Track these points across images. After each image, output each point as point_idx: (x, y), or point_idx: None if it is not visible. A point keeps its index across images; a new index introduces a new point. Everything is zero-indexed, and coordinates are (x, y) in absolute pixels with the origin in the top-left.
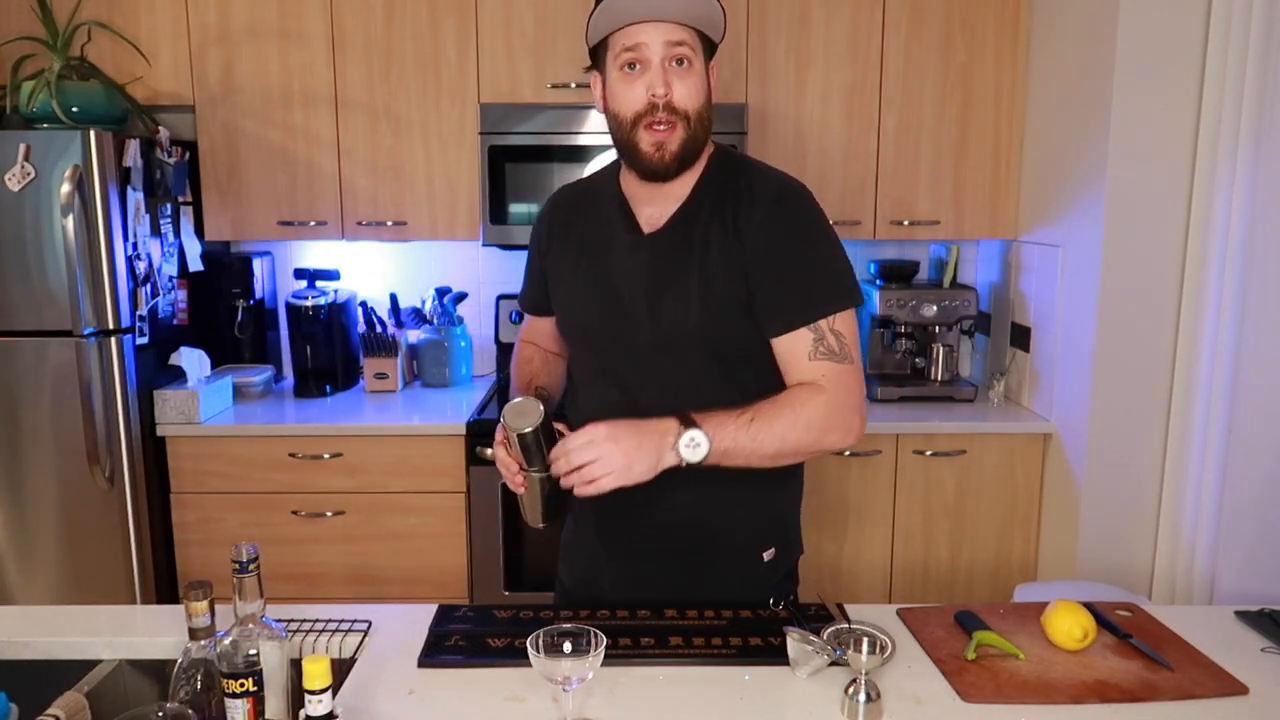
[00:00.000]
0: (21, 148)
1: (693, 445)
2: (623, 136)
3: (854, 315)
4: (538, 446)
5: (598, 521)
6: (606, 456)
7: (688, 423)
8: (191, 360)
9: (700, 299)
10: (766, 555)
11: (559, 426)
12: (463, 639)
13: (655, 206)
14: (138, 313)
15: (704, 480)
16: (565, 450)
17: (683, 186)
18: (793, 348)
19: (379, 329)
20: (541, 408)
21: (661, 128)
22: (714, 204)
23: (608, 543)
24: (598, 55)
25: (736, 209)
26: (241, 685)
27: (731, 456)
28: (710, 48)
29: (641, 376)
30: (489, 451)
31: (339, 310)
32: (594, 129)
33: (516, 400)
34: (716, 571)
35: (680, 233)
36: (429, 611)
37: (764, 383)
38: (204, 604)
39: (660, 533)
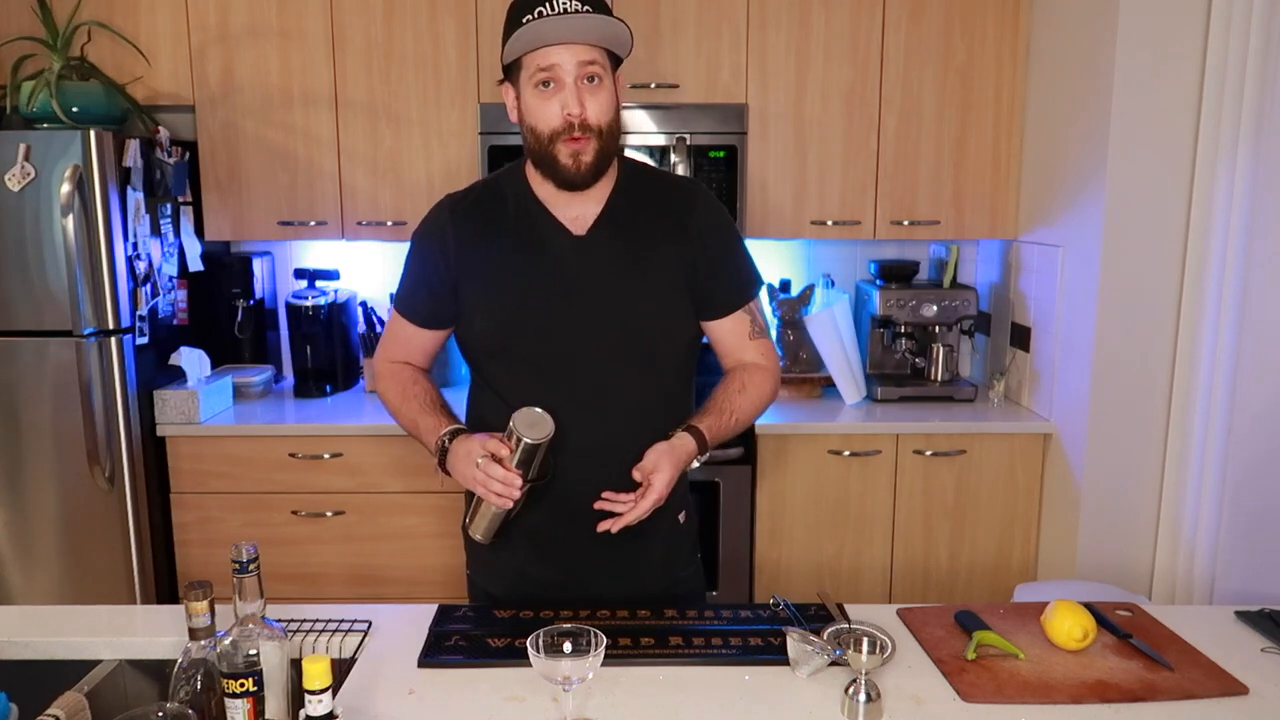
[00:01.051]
0: (21, 148)
1: (703, 459)
2: (539, 149)
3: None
4: (533, 459)
5: (542, 540)
6: (661, 501)
7: (702, 447)
8: (191, 360)
9: (661, 294)
10: (681, 518)
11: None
12: (463, 639)
13: (575, 209)
14: (138, 313)
15: (625, 456)
16: (656, 492)
17: (601, 190)
18: (735, 329)
19: (379, 329)
20: (550, 418)
21: (577, 142)
22: (643, 206)
23: (540, 542)
24: (510, 70)
25: (674, 211)
26: (241, 685)
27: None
28: (617, 61)
29: (594, 370)
30: (479, 459)
31: (339, 310)
32: None
33: (528, 410)
34: (646, 542)
35: (618, 232)
36: (429, 611)
37: (690, 365)
38: (204, 604)
39: (594, 519)
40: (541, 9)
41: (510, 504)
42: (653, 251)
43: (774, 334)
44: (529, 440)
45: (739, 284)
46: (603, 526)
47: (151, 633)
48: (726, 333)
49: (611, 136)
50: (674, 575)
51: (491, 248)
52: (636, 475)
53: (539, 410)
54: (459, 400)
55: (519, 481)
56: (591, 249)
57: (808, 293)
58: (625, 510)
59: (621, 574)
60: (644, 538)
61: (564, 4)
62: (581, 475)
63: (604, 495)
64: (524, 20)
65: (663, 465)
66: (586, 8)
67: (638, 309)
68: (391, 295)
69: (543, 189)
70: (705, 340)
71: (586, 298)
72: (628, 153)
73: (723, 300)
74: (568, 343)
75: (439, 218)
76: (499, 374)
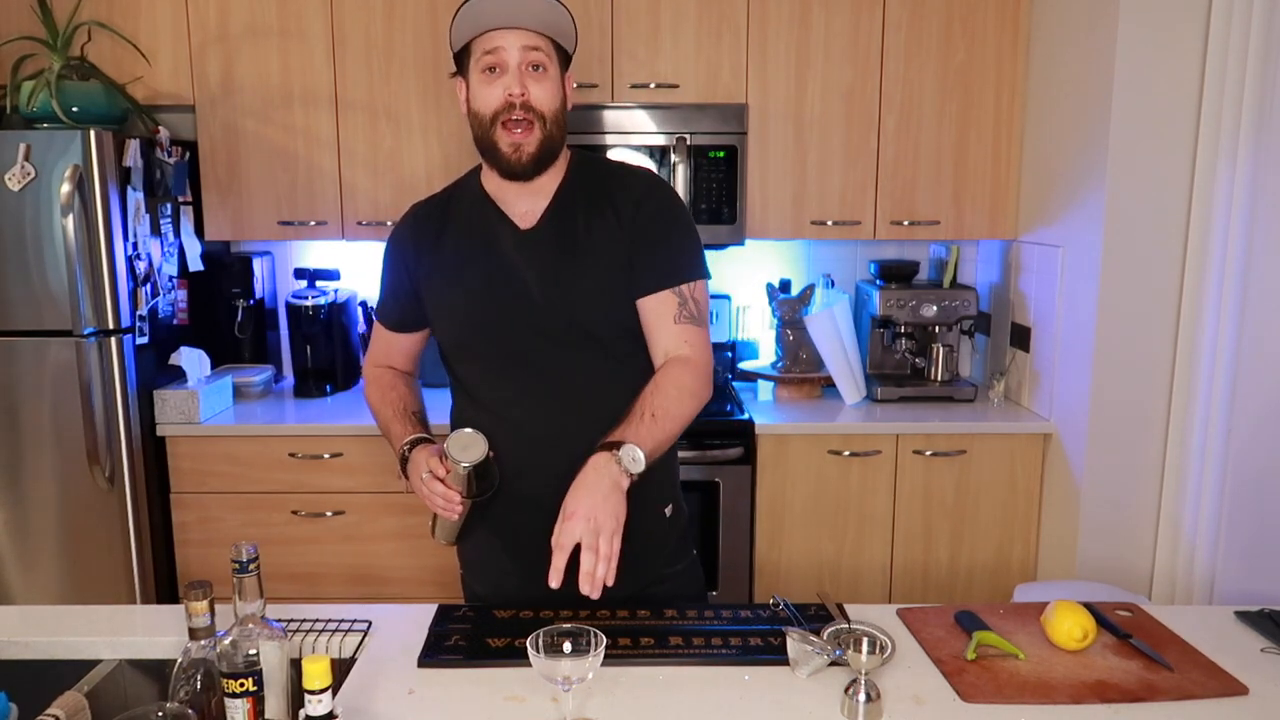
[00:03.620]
0: (21, 148)
1: (634, 461)
2: (482, 135)
3: (707, 288)
4: (477, 475)
5: (513, 535)
6: (595, 525)
7: (616, 447)
8: (191, 360)
9: (601, 283)
10: (666, 511)
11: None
12: (463, 639)
13: (525, 204)
14: (138, 313)
15: (591, 447)
16: (560, 547)
17: (549, 183)
18: (659, 310)
19: None
20: (484, 439)
21: (519, 129)
22: (588, 197)
23: (510, 538)
24: (461, 62)
25: (614, 199)
26: (241, 685)
27: (655, 452)
28: (565, 60)
29: (550, 362)
30: (424, 475)
31: (339, 310)
32: (595, 129)
33: (460, 433)
34: (631, 538)
35: (562, 224)
36: (429, 611)
37: (646, 356)
38: (204, 604)
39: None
40: None
41: (456, 516)
42: (592, 238)
43: (774, 334)
44: (462, 464)
45: (669, 264)
46: (584, 590)
47: (151, 633)
48: (649, 311)
49: (556, 126)
50: (660, 573)
51: (445, 249)
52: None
53: (470, 432)
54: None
55: (458, 499)
56: (536, 242)
57: (808, 293)
58: (587, 574)
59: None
60: (630, 531)
61: None
62: (544, 466)
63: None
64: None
65: (578, 501)
66: None
67: (581, 298)
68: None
69: (493, 186)
70: None
71: (533, 291)
72: (627, 154)
73: (649, 276)
74: (520, 336)
75: (402, 227)
76: (464, 371)
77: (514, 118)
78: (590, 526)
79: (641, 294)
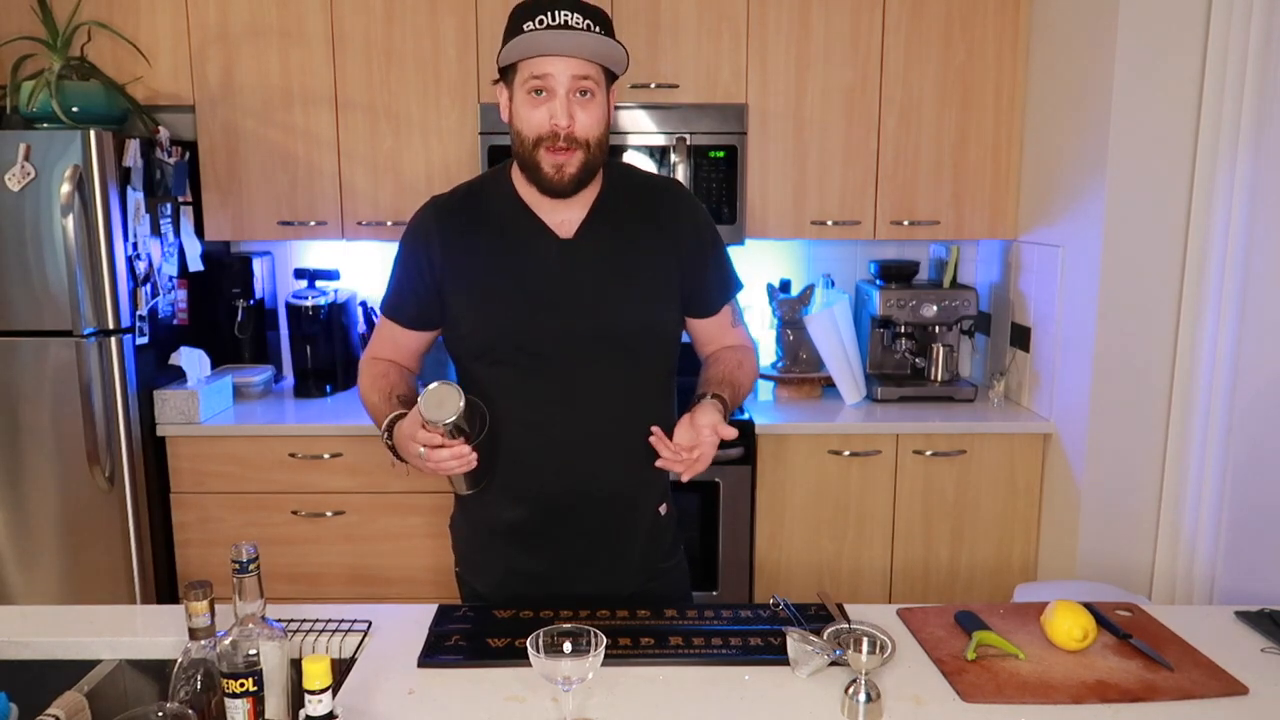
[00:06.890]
0: (21, 148)
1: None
2: (524, 153)
3: None
4: (462, 428)
5: (528, 536)
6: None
7: (723, 407)
8: (191, 360)
9: (648, 292)
10: (662, 510)
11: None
12: (463, 639)
13: (561, 214)
14: (138, 313)
15: (612, 453)
16: (700, 455)
17: (587, 195)
18: (719, 321)
19: None
20: (456, 385)
21: (562, 153)
22: (626, 206)
23: (525, 539)
24: (506, 72)
25: (656, 212)
26: (241, 685)
27: None
28: (612, 77)
29: (578, 368)
30: (419, 451)
31: (339, 310)
32: None
33: (427, 394)
34: (628, 536)
35: (603, 234)
36: (429, 611)
37: (673, 362)
38: (204, 604)
39: (579, 515)
40: (543, 17)
41: (474, 464)
42: (638, 254)
43: (774, 334)
44: (448, 422)
45: (724, 283)
46: (661, 464)
47: (151, 633)
48: (711, 325)
49: (599, 149)
50: (656, 568)
51: (477, 251)
52: (691, 429)
53: (435, 387)
54: None
55: (466, 449)
56: (578, 253)
57: (808, 293)
58: (674, 458)
59: (605, 568)
60: (626, 531)
61: (565, 17)
62: (565, 472)
63: (655, 431)
64: (524, 28)
65: (706, 421)
66: (587, 22)
67: (625, 311)
68: (380, 302)
69: (527, 192)
70: (686, 339)
71: (574, 301)
72: (627, 154)
73: (712, 300)
74: (555, 345)
75: (424, 220)
76: (486, 375)
77: (558, 146)
78: (701, 452)
79: (705, 315)
